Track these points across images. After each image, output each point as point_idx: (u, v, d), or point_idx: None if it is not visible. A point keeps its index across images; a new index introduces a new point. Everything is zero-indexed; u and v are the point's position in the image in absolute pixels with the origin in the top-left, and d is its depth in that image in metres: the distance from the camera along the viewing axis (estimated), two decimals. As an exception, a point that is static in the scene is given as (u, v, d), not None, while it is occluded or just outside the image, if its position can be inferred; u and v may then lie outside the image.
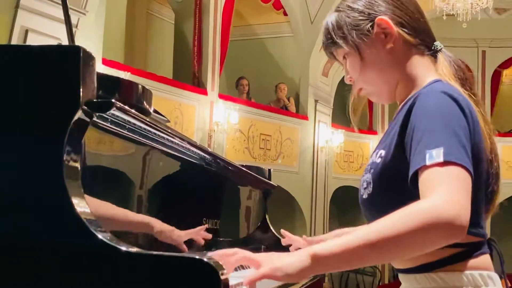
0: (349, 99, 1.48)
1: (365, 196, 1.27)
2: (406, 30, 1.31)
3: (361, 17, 1.33)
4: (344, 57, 1.37)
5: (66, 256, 1.15)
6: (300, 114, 10.21)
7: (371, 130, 12.34)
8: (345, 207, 12.06)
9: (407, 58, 1.32)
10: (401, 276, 1.29)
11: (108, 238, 1.13)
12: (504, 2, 10.14)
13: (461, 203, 1.05)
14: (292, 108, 10.15)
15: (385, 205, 1.13)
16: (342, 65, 1.41)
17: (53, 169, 1.16)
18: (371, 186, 1.25)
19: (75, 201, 1.15)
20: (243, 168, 2.47)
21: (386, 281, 11.49)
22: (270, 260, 1.14)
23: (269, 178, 2.85)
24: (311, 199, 10.23)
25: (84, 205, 1.16)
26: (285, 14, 10.31)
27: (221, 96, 8.49)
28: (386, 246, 1.07)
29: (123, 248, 1.12)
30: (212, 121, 8.17)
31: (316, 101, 10.43)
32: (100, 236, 1.13)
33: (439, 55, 1.33)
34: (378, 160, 1.24)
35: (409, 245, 1.08)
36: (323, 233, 10.26)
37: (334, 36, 1.36)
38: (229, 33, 9.08)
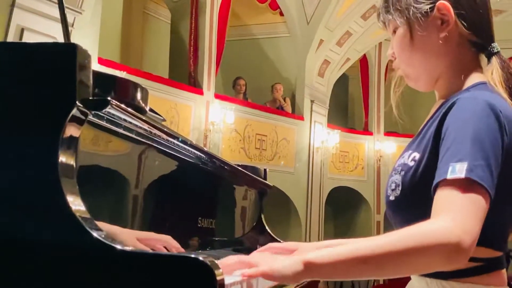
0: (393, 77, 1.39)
1: (392, 198, 1.22)
2: (465, 23, 1.24)
3: None
4: (394, 31, 1.30)
5: (61, 254, 1.14)
6: (296, 114, 10.21)
7: (366, 131, 12.35)
8: (341, 207, 12.09)
9: (457, 53, 1.26)
10: (412, 275, 1.26)
11: (103, 236, 1.12)
12: (500, 4, 10.16)
13: (468, 229, 1.01)
14: (288, 109, 10.15)
15: (412, 210, 1.09)
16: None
17: (48, 166, 1.15)
18: (400, 189, 1.20)
19: (70, 199, 1.14)
20: (239, 168, 2.46)
21: (381, 282, 11.49)
22: (266, 262, 1.14)
23: (265, 178, 2.85)
24: (306, 199, 10.23)
25: (79, 203, 1.16)
26: (281, 14, 10.31)
27: (217, 96, 8.49)
28: (381, 263, 1.05)
29: (118, 247, 1.11)
30: (208, 121, 8.17)
31: (312, 101, 10.43)
32: (95, 234, 1.12)
33: (494, 58, 1.25)
34: (411, 163, 1.19)
35: (405, 265, 1.05)
36: (318, 234, 10.29)
37: (391, 5, 1.29)
38: (225, 33, 9.07)
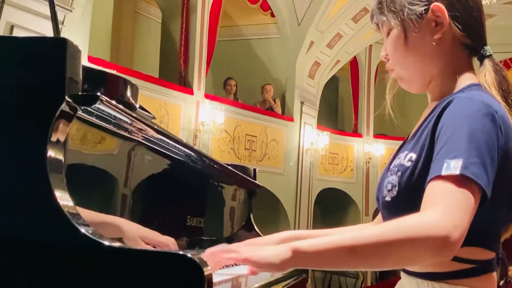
0: (388, 79, 1.39)
1: (388, 198, 1.22)
2: (459, 26, 1.25)
3: None
4: (388, 33, 1.31)
5: (47, 249, 1.13)
6: (286, 115, 10.23)
7: (356, 133, 12.39)
8: (329, 209, 12.11)
9: (451, 55, 1.26)
10: (403, 275, 1.27)
11: (91, 232, 1.12)
12: (490, 8, 10.23)
13: (457, 223, 1.01)
14: (278, 110, 10.16)
15: (409, 210, 1.08)
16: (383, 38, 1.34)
17: (36, 161, 1.14)
18: (396, 189, 1.20)
19: (57, 194, 1.13)
20: (229, 167, 2.46)
21: (369, 283, 11.53)
22: (252, 249, 1.15)
23: (254, 178, 2.84)
24: (295, 200, 10.24)
25: (67, 198, 1.15)
26: (272, 15, 10.32)
27: (207, 96, 8.48)
28: (368, 253, 1.05)
29: (106, 243, 1.11)
30: (197, 121, 8.16)
31: (302, 102, 10.45)
32: (82, 230, 1.11)
33: (486, 61, 1.26)
34: (408, 164, 1.19)
35: (391, 256, 1.05)
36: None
37: (385, 7, 1.30)
38: (216, 33, 9.07)
